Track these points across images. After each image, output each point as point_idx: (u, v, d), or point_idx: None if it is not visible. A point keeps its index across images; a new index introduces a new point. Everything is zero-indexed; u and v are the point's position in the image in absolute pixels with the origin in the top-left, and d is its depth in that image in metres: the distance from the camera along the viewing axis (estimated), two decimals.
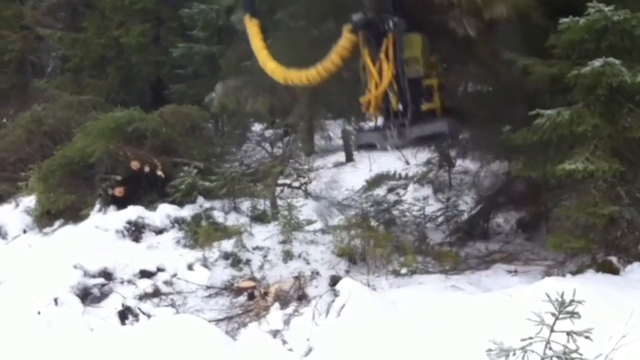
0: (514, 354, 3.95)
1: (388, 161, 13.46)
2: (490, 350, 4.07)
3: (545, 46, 6.87)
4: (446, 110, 6.85)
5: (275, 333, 6.38)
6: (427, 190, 10.90)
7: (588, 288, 5.76)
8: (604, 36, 6.64)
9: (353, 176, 13.10)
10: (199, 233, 8.80)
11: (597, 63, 6.36)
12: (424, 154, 12.24)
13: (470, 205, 9.65)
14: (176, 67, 15.80)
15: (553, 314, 3.89)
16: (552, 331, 3.89)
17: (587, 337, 3.85)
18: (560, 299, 3.89)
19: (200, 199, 9.83)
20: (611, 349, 3.87)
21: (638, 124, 6.53)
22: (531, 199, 8.53)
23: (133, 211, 9.39)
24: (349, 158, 15.20)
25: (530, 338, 3.91)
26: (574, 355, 3.85)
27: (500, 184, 9.46)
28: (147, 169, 9.97)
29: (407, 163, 13.08)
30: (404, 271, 7.72)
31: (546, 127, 6.59)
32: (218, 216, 9.56)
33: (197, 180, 9.81)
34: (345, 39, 6.26)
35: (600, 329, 4.10)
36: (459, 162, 11.74)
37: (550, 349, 3.90)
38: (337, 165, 14.83)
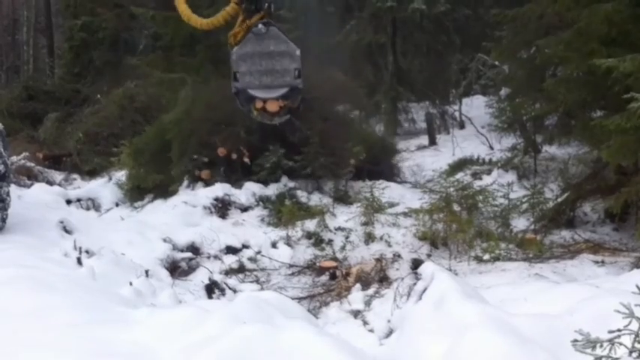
0: (601, 345, 3.91)
1: (471, 146, 13.33)
2: (576, 341, 4.03)
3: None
4: None
5: (356, 313, 6.46)
6: (511, 176, 10.72)
7: None
8: None
9: (435, 159, 13.04)
10: (283, 212, 8.98)
11: None
12: (509, 140, 12.05)
13: (556, 192, 9.42)
14: None
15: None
16: None
17: None
18: None
19: (284, 179, 10.00)
20: None
21: None
22: (621, 188, 8.26)
23: (220, 188, 9.66)
24: (432, 141, 15.11)
25: (619, 330, 3.85)
26: None
27: (589, 171, 9.21)
28: (234, 156, 10.16)
29: (491, 148, 12.92)
30: (486, 257, 7.67)
31: None
32: (301, 195, 9.74)
33: (282, 159, 9.96)
34: (231, 7, 7.26)
35: None
36: (545, 148, 11.51)
37: (639, 342, 3.83)
38: (420, 148, 14.76)
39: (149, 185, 10.43)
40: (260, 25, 6.86)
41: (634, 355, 3.81)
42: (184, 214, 9.19)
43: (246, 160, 10.23)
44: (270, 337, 4.61)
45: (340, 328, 6.19)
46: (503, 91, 13.13)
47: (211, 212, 9.31)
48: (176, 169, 10.35)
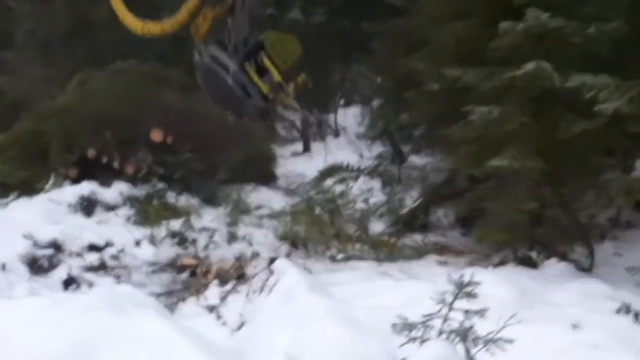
0: (416, 328, 4.34)
1: (344, 153, 13.79)
2: (395, 324, 4.45)
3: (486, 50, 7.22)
4: None
5: (211, 308, 6.66)
6: (377, 183, 11.22)
7: (503, 278, 6.20)
8: (541, 41, 6.98)
9: (308, 166, 13.40)
10: (150, 212, 9.06)
11: (530, 66, 6.70)
12: (379, 148, 12.60)
13: (416, 198, 9.98)
14: (144, 46, 15.83)
15: (453, 294, 4.26)
16: (450, 309, 4.26)
17: (480, 316, 4.22)
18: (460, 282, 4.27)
19: (154, 180, 10.05)
20: (501, 327, 4.24)
21: (565, 127, 6.84)
22: (470, 194, 8.86)
23: (87, 187, 9.60)
24: (306, 148, 15.51)
25: (431, 315, 4.29)
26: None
27: (443, 179, 9.82)
28: (104, 159, 10.13)
29: (361, 156, 13.42)
30: (340, 257, 8.08)
31: (479, 124, 6.91)
32: (170, 196, 9.82)
33: (152, 166, 10.02)
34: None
35: (504, 312, 4.51)
36: (411, 157, 12.09)
37: (447, 325, 4.27)
38: (294, 154, 15.12)
39: (14, 182, 10.20)
40: (196, 55, 6.66)
41: (443, 336, 4.24)
42: (49, 211, 9.06)
43: (116, 165, 10.21)
44: (120, 323, 4.75)
45: (195, 322, 6.33)
46: (376, 102, 13.67)
47: (76, 210, 9.23)
48: (54, 163, 10.15)
